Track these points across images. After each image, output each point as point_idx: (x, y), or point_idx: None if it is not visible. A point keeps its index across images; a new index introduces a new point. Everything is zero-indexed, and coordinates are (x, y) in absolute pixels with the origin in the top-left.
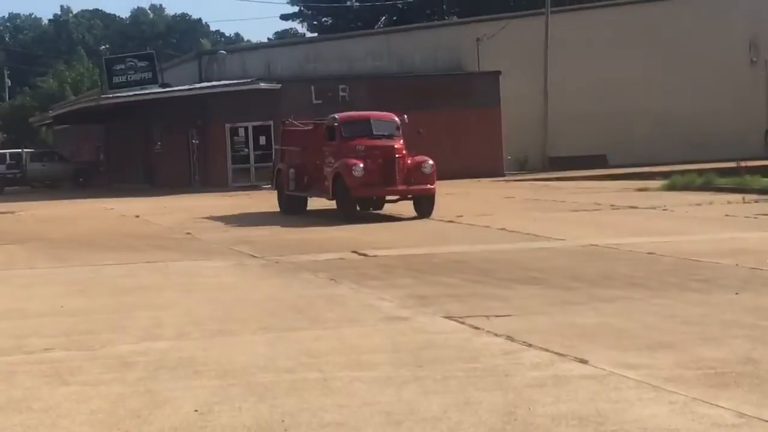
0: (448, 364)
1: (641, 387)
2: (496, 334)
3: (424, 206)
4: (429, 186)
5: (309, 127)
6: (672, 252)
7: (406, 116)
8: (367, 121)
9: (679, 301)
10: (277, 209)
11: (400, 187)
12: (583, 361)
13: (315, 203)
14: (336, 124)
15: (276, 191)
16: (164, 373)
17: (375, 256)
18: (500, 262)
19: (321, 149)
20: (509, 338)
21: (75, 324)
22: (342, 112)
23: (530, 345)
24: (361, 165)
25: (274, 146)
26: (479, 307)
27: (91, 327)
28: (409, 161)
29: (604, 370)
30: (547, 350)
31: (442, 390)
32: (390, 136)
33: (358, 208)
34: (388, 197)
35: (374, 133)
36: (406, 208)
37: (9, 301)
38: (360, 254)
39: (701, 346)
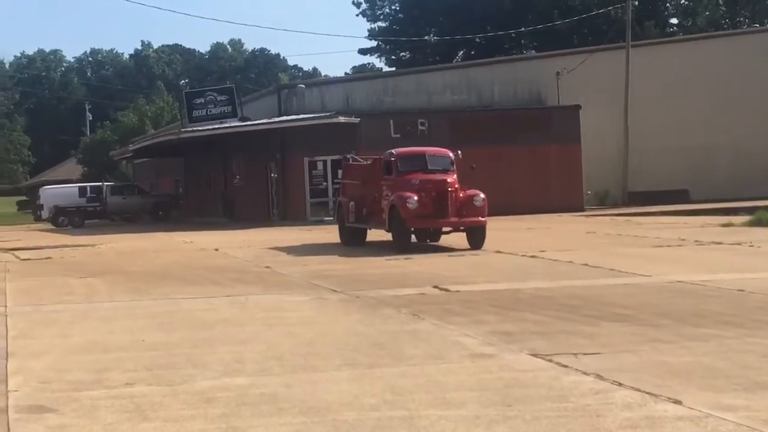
0: (537, 404)
1: (740, 429)
2: (584, 373)
3: (476, 237)
4: (480, 218)
5: (368, 162)
6: (762, 290)
7: (460, 152)
8: (422, 156)
9: None
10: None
11: (453, 219)
12: (677, 402)
13: (373, 235)
14: (393, 159)
15: (337, 223)
16: (246, 410)
17: (457, 291)
18: (585, 298)
19: (379, 183)
20: (598, 377)
21: (156, 358)
22: (420, 146)
23: (621, 384)
24: (416, 197)
25: (334, 180)
26: (566, 344)
27: (172, 361)
28: (461, 194)
29: (700, 411)
30: (638, 390)
31: (532, 431)
32: (444, 171)
33: (414, 240)
34: (443, 229)
35: (429, 167)
36: (462, 240)
37: (90, 334)
38: (441, 289)
39: None
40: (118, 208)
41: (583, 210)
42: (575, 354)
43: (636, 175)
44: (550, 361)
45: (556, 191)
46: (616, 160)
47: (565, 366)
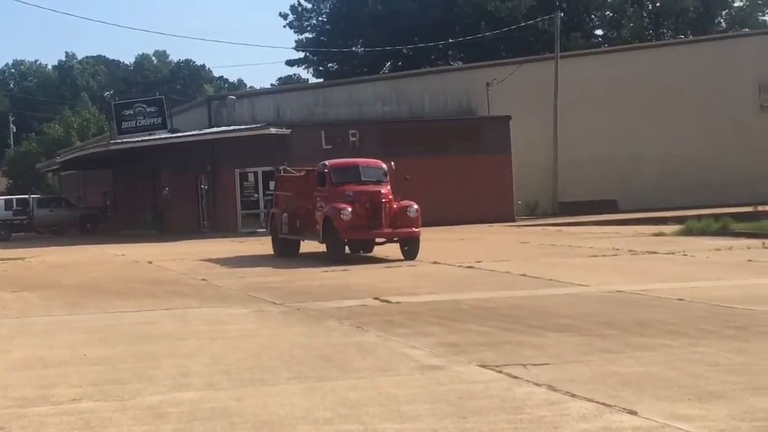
0: (492, 416)
1: None
2: (536, 384)
3: (411, 248)
4: (414, 229)
5: (301, 174)
6: (701, 298)
7: (393, 163)
8: (356, 167)
9: (720, 350)
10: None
11: (386, 230)
12: (632, 413)
13: (307, 246)
14: (326, 170)
15: (270, 235)
16: (199, 425)
17: (398, 302)
18: (527, 308)
19: (312, 195)
20: (551, 388)
21: (100, 373)
22: (352, 157)
23: (574, 395)
24: (350, 209)
25: (266, 192)
26: (514, 355)
27: (118, 376)
28: (395, 206)
29: (656, 421)
30: (592, 401)
31: None
32: (378, 182)
33: (348, 251)
34: (376, 240)
35: (362, 179)
36: (396, 251)
37: (29, 349)
38: (382, 301)
39: (753, 397)
40: (45, 220)
41: (513, 220)
42: (524, 365)
43: (565, 186)
44: (500, 372)
45: (487, 201)
46: (545, 171)
47: (516, 377)
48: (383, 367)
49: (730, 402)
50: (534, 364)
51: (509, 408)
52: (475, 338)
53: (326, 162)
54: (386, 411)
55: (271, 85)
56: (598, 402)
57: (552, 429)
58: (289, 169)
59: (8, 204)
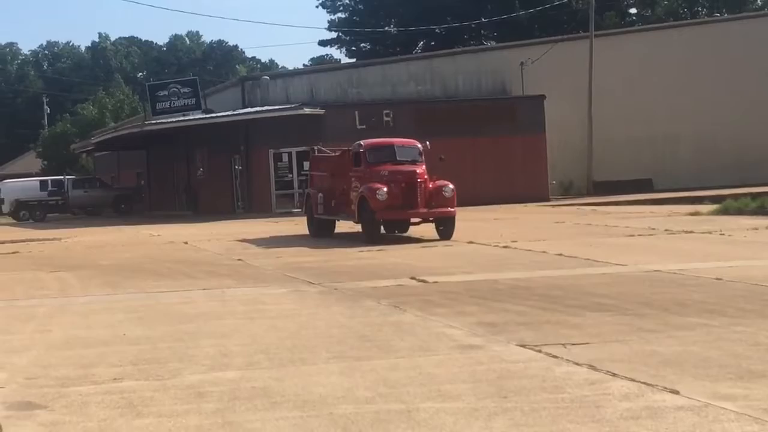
0: (533, 395)
1: (742, 419)
2: (576, 363)
3: (446, 228)
4: (449, 209)
5: (336, 154)
6: (740, 278)
7: (428, 143)
8: (391, 147)
9: (761, 329)
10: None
11: (422, 210)
12: (675, 392)
13: (342, 227)
14: (362, 150)
15: (305, 215)
16: (240, 405)
17: (435, 282)
18: (565, 288)
19: (348, 175)
20: (591, 367)
21: (140, 353)
22: (386, 137)
23: (615, 374)
24: (385, 189)
25: (300, 172)
26: (553, 334)
27: (157, 356)
28: (431, 185)
29: (699, 401)
30: (633, 380)
31: (533, 422)
32: (413, 162)
33: (383, 231)
34: (412, 220)
35: (398, 158)
36: (431, 231)
37: (70, 329)
38: (419, 281)
39: None
40: (80, 201)
41: (548, 200)
42: (564, 344)
43: (600, 165)
44: (540, 351)
45: (521, 181)
46: (580, 150)
47: (556, 357)
48: (422, 346)
49: None
50: (573, 344)
51: (550, 387)
52: (513, 318)
53: (361, 142)
54: (426, 390)
55: (303, 65)
56: (639, 381)
57: (594, 408)
58: (324, 149)
59: (43, 185)
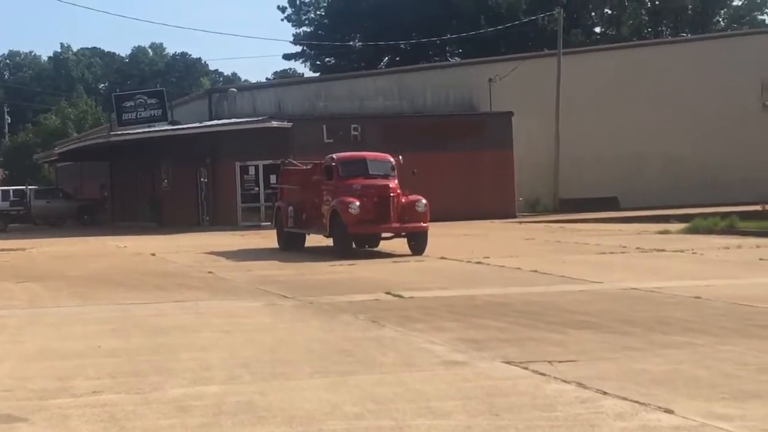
0: (526, 413)
1: None
2: (565, 381)
3: (418, 243)
4: (422, 224)
5: (308, 167)
6: (719, 296)
7: (401, 156)
8: (363, 161)
9: (747, 348)
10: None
11: (395, 225)
12: (669, 411)
13: (311, 240)
14: (334, 163)
15: (275, 228)
16: (226, 419)
17: (411, 297)
18: (544, 305)
19: (319, 188)
20: (581, 385)
21: (118, 365)
22: (354, 151)
23: (605, 393)
24: (358, 203)
25: (271, 185)
26: (537, 351)
27: (135, 368)
28: (403, 200)
29: (695, 420)
30: (625, 399)
31: None
32: (386, 176)
33: (353, 245)
34: (383, 234)
35: (370, 172)
36: (402, 246)
37: (43, 340)
38: (395, 295)
39: None
40: (42, 211)
41: (515, 216)
42: (550, 362)
43: (566, 183)
44: (526, 368)
45: (488, 198)
46: (547, 167)
47: (543, 374)
48: (406, 362)
49: None
50: (560, 361)
51: (542, 405)
52: (494, 334)
53: (333, 155)
54: (416, 407)
55: (267, 79)
56: (631, 400)
57: (589, 428)
58: (294, 162)
59: (5, 195)
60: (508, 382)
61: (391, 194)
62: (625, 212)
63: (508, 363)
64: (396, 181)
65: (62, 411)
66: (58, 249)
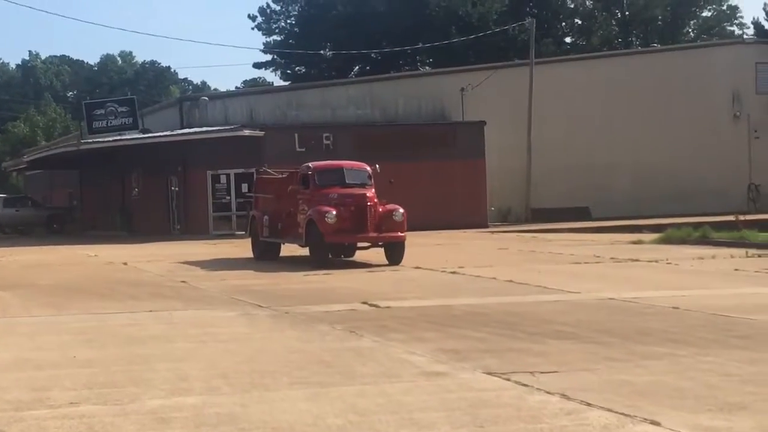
0: (511, 425)
1: None
2: (548, 392)
3: (395, 253)
4: (399, 234)
5: (283, 176)
6: (696, 307)
7: (377, 165)
8: (340, 170)
9: (729, 359)
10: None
11: (372, 234)
12: (656, 423)
13: (286, 250)
14: (310, 172)
15: (250, 238)
16: (208, 431)
17: (388, 307)
18: (522, 315)
19: (295, 197)
20: (564, 396)
21: (93, 376)
22: (326, 160)
23: (590, 404)
24: (334, 212)
25: (246, 194)
26: (518, 362)
27: (112, 379)
28: (380, 209)
29: None
30: (610, 410)
31: None
32: (362, 185)
33: (329, 255)
34: (360, 244)
35: (347, 181)
36: (376, 256)
37: (16, 350)
38: (371, 305)
39: None
40: (11, 220)
41: (487, 226)
42: (532, 372)
43: (538, 192)
44: (509, 380)
45: (460, 207)
46: (519, 177)
47: (526, 385)
48: (386, 373)
49: (755, 413)
50: (541, 372)
51: (526, 417)
52: (474, 344)
53: (310, 164)
54: (399, 419)
55: (236, 87)
56: (616, 412)
57: None
58: (269, 170)
59: None
60: (491, 393)
61: (368, 203)
62: (597, 222)
63: (490, 374)
64: (373, 190)
65: (39, 423)
66: (28, 257)
